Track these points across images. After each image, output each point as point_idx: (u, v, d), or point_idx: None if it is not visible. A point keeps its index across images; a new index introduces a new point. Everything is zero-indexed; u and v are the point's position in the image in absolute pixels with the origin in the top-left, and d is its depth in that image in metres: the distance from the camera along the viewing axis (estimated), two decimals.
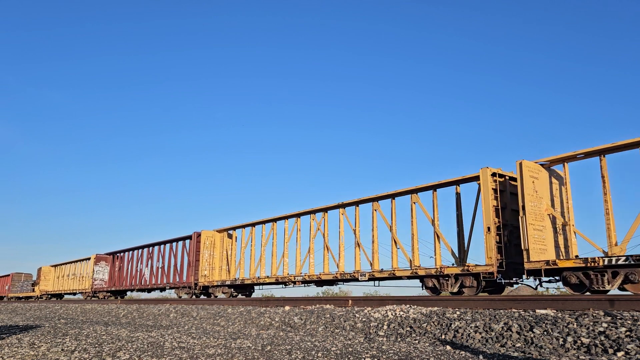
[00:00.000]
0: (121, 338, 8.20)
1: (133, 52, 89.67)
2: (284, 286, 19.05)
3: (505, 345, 6.52)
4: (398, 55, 79.16)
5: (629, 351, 5.50)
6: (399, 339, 7.71)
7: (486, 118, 76.02)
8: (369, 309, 9.77)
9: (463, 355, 5.99)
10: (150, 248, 27.78)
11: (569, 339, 6.13)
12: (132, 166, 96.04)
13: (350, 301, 11.43)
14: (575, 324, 6.47)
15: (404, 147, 79.91)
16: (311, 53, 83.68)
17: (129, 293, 31.83)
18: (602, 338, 5.92)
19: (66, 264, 38.72)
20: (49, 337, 8.60)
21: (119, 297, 30.91)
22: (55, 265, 41.29)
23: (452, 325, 7.62)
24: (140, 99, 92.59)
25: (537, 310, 7.41)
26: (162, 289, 26.39)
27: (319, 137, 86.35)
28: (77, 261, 36.19)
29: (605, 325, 6.23)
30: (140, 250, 28.76)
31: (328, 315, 9.88)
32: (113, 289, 30.49)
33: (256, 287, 21.48)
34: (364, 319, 9.06)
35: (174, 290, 24.86)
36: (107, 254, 32.82)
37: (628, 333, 5.89)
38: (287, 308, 11.74)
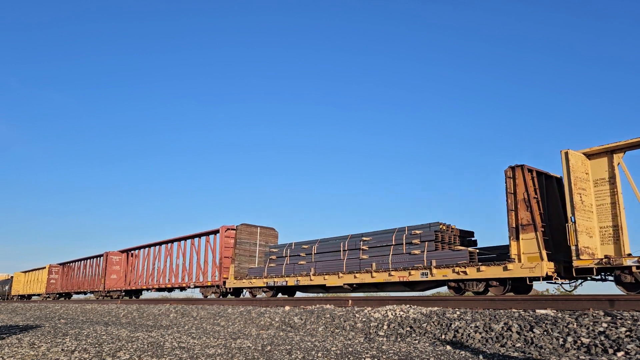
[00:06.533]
0: (121, 338, 8.19)
1: (133, 52, 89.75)
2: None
3: (505, 345, 6.51)
4: (398, 56, 79.13)
5: (629, 351, 5.50)
6: (399, 339, 7.71)
7: (486, 117, 76.00)
8: (369, 309, 9.77)
9: (463, 355, 5.98)
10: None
11: (569, 339, 6.12)
12: (132, 166, 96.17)
13: (350, 301, 11.42)
14: (575, 324, 6.47)
15: (404, 147, 79.99)
16: (311, 53, 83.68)
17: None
18: (602, 338, 5.92)
19: None
20: (49, 337, 8.59)
21: (119, 298, 30.50)
22: None
23: (452, 325, 7.62)
24: (140, 99, 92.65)
25: (537, 310, 7.41)
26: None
27: (318, 137, 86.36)
28: None
29: (605, 325, 6.23)
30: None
31: (328, 315, 9.88)
32: None
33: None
34: (364, 319, 9.05)
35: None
36: None
37: (628, 333, 5.89)
38: (287, 308, 11.73)
